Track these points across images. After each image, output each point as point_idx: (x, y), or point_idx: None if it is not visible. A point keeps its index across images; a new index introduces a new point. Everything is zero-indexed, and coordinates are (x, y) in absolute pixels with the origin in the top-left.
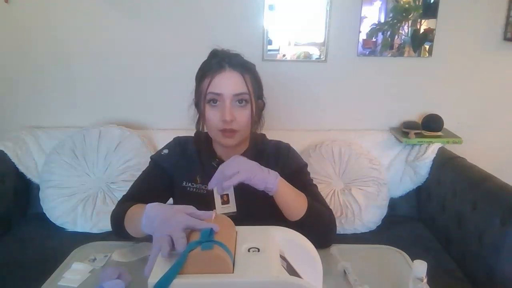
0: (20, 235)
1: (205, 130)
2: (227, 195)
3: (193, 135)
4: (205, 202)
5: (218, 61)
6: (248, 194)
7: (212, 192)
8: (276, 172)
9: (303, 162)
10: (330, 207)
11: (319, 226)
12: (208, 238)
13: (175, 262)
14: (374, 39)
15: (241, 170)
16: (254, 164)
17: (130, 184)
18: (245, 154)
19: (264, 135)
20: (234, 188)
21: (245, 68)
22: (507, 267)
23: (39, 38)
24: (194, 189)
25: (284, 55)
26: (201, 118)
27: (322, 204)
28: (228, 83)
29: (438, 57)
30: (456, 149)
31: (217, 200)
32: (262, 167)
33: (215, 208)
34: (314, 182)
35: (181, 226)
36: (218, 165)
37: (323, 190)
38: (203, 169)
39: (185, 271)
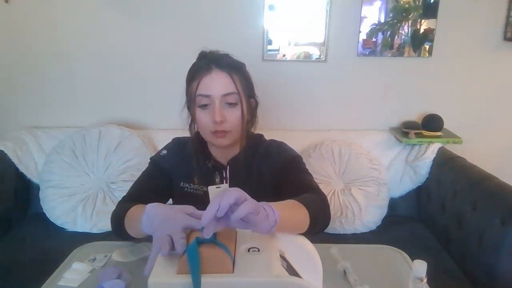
0: (20, 235)
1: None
2: None
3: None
4: (202, 203)
5: (205, 62)
6: None
7: (208, 193)
8: (265, 202)
9: (294, 154)
10: (324, 195)
11: (325, 220)
12: (210, 238)
13: (192, 265)
14: (374, 39)
15: (248, 198)
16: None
17: (130, 184)
18: (239, 154)
19: (261, 135)
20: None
21: (233, 68)
22: (507, 267)
23: (39, 38)
24: (192, 190)
25: (284, 55)
26: (193, 121)
27: (314, 191)
28: (216, 84)
29: (438, 57)
30: (456, 149)
31: None
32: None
33: None
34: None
35: (181, 226)
36: (213, 166)
37: (323, 190)
38: (200, 170)
39: (185, 271)
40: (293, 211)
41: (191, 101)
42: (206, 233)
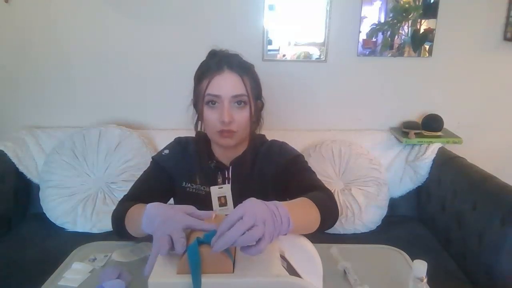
0: (20, 235)
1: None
2: (225, 197)
3: (194, 135)
4: (203, 203)
5: (216, 62)
6: (246, 195)
7: (210, 193)
8: (278, 203)
9: (296, 153)
10: (331, 192)
11: (331, 218)
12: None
13: (192, 265)
14: (374, 39)
15: (266, 232)
16: (267, 212)
17: (130, 184)
18: (242, 155)
19: (263, 135)
20: (231, 190)
21: (243, 69)
22: (507, 267)
23: (39, 38)
24: (194, 190)
25: (284, 55)
26: (200, 118)
27: (321, 188)
28: (226, 85)
29: (438, 57)
30: (456, 149)
31: (215, 202)
32: (269, 207)
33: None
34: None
35: (181, 226)
36: (215, 166)
37: None
38: (202, 170)
39: (185, 271)
40: (305, 211)
41: (200, 99)
42: (216, 250)
